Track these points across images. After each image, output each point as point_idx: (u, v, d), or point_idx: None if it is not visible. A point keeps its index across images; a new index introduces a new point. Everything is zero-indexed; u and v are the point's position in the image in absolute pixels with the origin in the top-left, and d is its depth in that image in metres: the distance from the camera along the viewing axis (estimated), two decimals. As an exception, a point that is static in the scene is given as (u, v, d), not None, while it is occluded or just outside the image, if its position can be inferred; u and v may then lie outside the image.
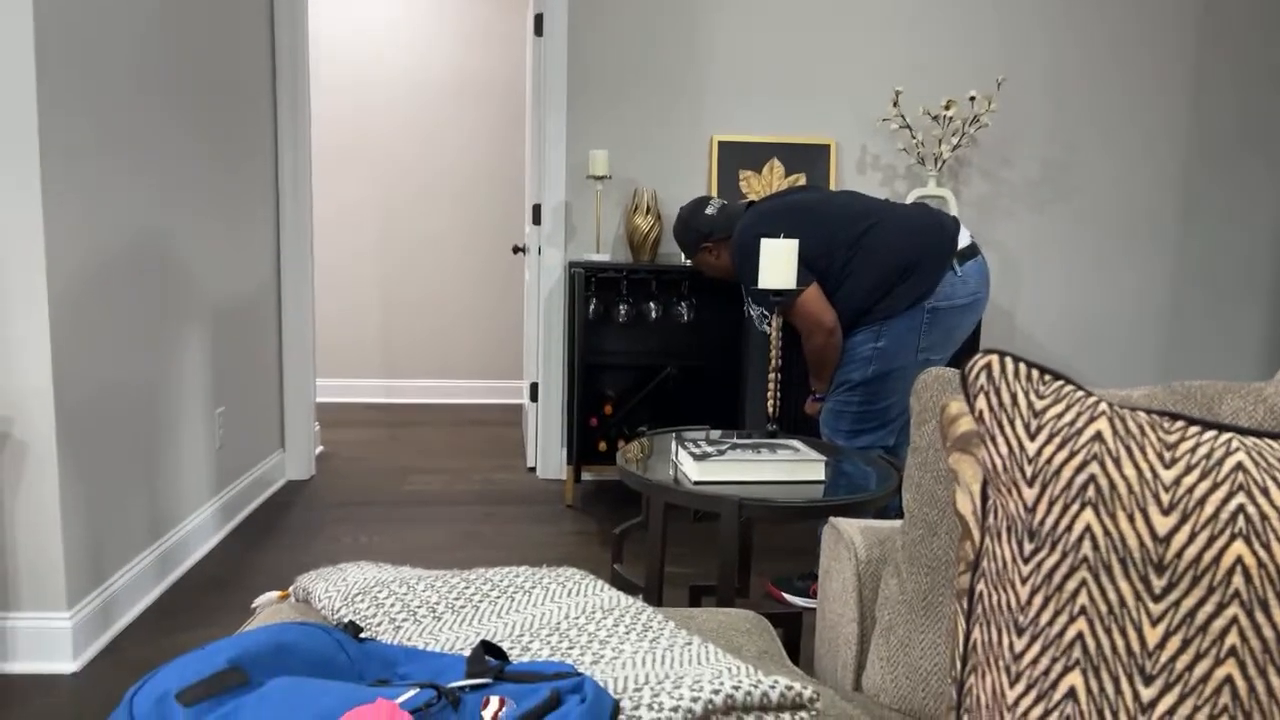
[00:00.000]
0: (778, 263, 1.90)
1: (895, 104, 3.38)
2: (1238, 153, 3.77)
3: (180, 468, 2.62)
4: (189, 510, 2.69)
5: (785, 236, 2.30)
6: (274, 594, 1.35)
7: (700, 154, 3.60)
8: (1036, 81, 3.64)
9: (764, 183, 3.58)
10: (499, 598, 1.25)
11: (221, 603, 2.42)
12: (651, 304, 3.43)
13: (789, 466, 1.72)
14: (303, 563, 2.72)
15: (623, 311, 3.42)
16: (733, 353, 3.53)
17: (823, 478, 1.73)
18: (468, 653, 1.06)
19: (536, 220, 3.66)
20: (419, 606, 1.20)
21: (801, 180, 3.58)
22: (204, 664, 0.80)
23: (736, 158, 3.58)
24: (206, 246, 2.79)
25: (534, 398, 3.74)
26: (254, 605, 1.34)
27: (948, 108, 3.37)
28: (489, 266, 5.30)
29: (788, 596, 2.50)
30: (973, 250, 2.35)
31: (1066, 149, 3.69)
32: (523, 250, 4.15)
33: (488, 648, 0.91)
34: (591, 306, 3.42)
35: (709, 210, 2.58)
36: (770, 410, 2.01)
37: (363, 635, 1.07)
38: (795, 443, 1.88)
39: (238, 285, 3.07)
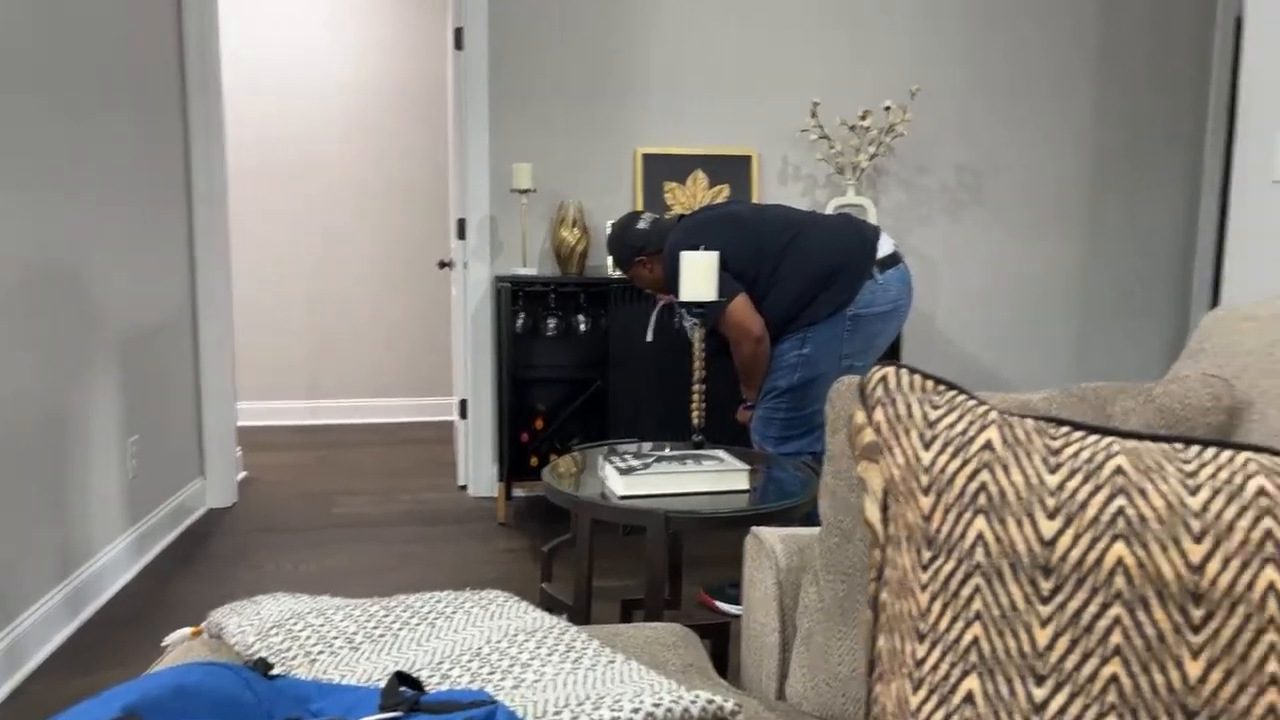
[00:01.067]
0: (698, 275, 1.92)
1: (813, 115, 3.44)
2: (1136, 157, 3.94)
3: (90, 500, 2.51)
4: (101, 544, 2.58)
5: (715, 247, 2.32)
6: (186, 631, 1.31)
7: (625, 166, 3.61)
8: (948, 91, 3.75)
9: (688, 194, 3.61)
10: (419, 625, 1.23)
11: (137, 641, 2.33)
12: (581, 316, 3.43)
13: (714, 477, 1.73)
14: (225, 594, 2.64)
15: (551, 325, 3.41)
16: (665, 363, 3.54)
17: (747, 486, 1.75)
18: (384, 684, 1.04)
19: (461, 235, 3.63)
20: (335, 638, 1.17)
21: (725, 193, 3.63)
22: (99, 712, 0.77)
23: (661, 170, 3.60)
24: (112, 269, 2.69)
25: (463, 414, 3.70)
26: (164, 644, 1.29)
27: (864, 118, 3.45)
28: (416, 282, 5.23)
29: (720, 605, 2.51)
30: (894, 259, 2.41)
31: (978, 156, 3.81)
32: (449, 265, 4.10)
33: (402, 678, 0.89)
34: (519, 321, 3.40)
35: (641, 225, 2.59)
36: (695, 421, 2.02)
37: (275, 671, 1.04)
38: (720, 453, 1.90)
39: (149, 308, 2.97)
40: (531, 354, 3.57)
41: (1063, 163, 3.89)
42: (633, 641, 1.32)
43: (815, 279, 2.36)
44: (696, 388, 2.03)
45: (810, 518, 2.32)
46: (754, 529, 1.35)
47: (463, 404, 3.70)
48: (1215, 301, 3.96)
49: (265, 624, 1.22)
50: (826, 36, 3.65)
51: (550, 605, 1.83)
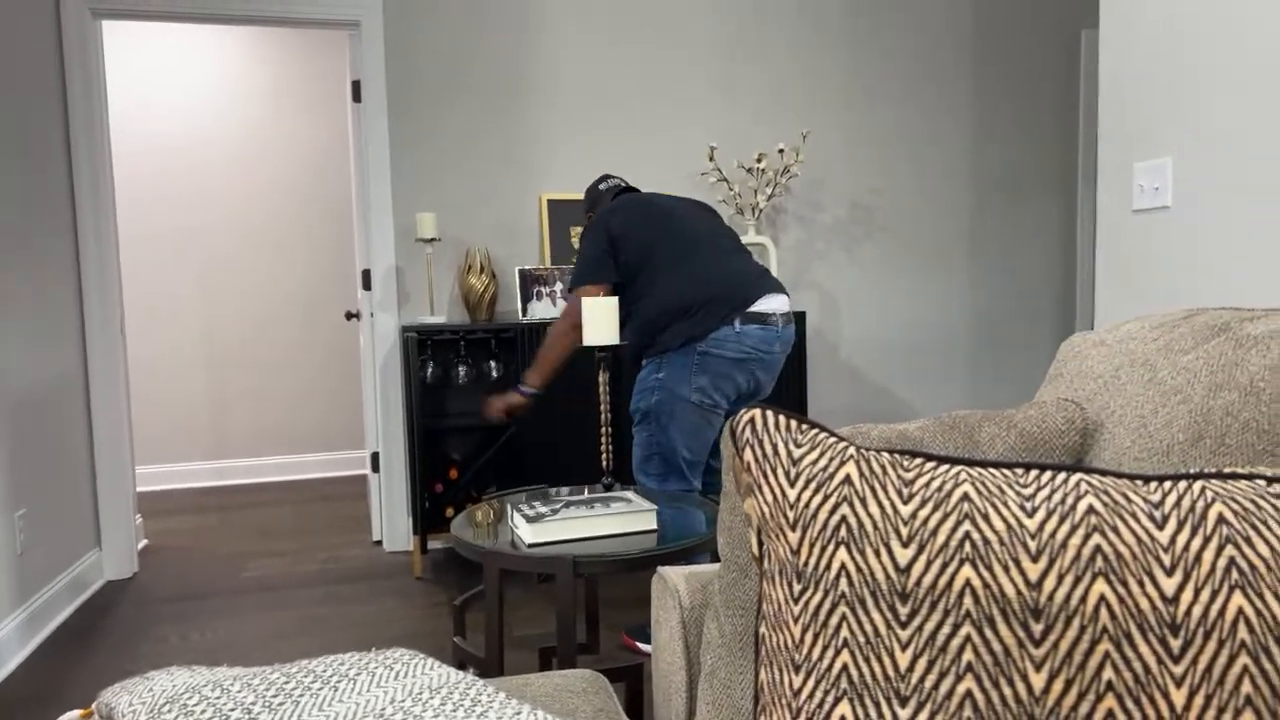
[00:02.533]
0: (599, 320, 1.95)
1: (711, 158, 3.54)
2: (1014, 191, 4.17)
3: (-27, 581, 2.37)
4: (-14, 627, 2.44)
5: (621, 231, 2.47)
6: (75, 713, 1.25)
7: (531, 212, 3.64)
8: (836, 133, 3.91)
9: (595, 237, 3.66)
10: (321, 689, 1.20)
11: (28, 726, 2.20)
12: (492, 363, 3.42)
13: (623, 519, 1.75)
14: (125, 671, 2.52)
15: (462, 373, 3.39)
16: (577, 407, 3.55)
17: (655, 527, 1.77)
18: (283, 753, 1.02)
19: (367, 286, 3.59)
20: (233, 710, 1.14)
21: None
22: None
23: (567, 215, 3.65)
24: (-5, 337, 2.58)
25: (375, 468, 3.63)
26: (50, 729, 1.23)
27: (759, 160, 3.56)
28: (324, 334, 5.14)
29: (641, 646, 2.51)
30: (766, 318, 2.43)
31: (868, 194, 3.97)
32: (356, 316, 4.05)
33: (297, 747, 0.88)
34: (429, 370, 3.38)
35: (602, 185, 2.78)
36: (605, 464, 2.03)
37: (166, 749, 1.00)
38: (629, 494, 1.92)
39: (34, 376, 2.85)
40: (443, 403, 3.54)
41: (945, 200, 4.08)
42: (542, 690, 1.32)
43: (675, 308, 2.42)
44: (604, 430, 2.05)
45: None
46: (660, 569, 1.37)
47: (374, 457, 3.64)
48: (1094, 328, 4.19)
49: (158, 701, 1.18)
50: (720, 82, 3.77)
51: (463, 660, 1.81)
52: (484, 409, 2.67)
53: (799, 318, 3.52)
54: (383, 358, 3.52)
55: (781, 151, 3.60)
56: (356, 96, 3.54)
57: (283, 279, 5.06)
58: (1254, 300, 1.94)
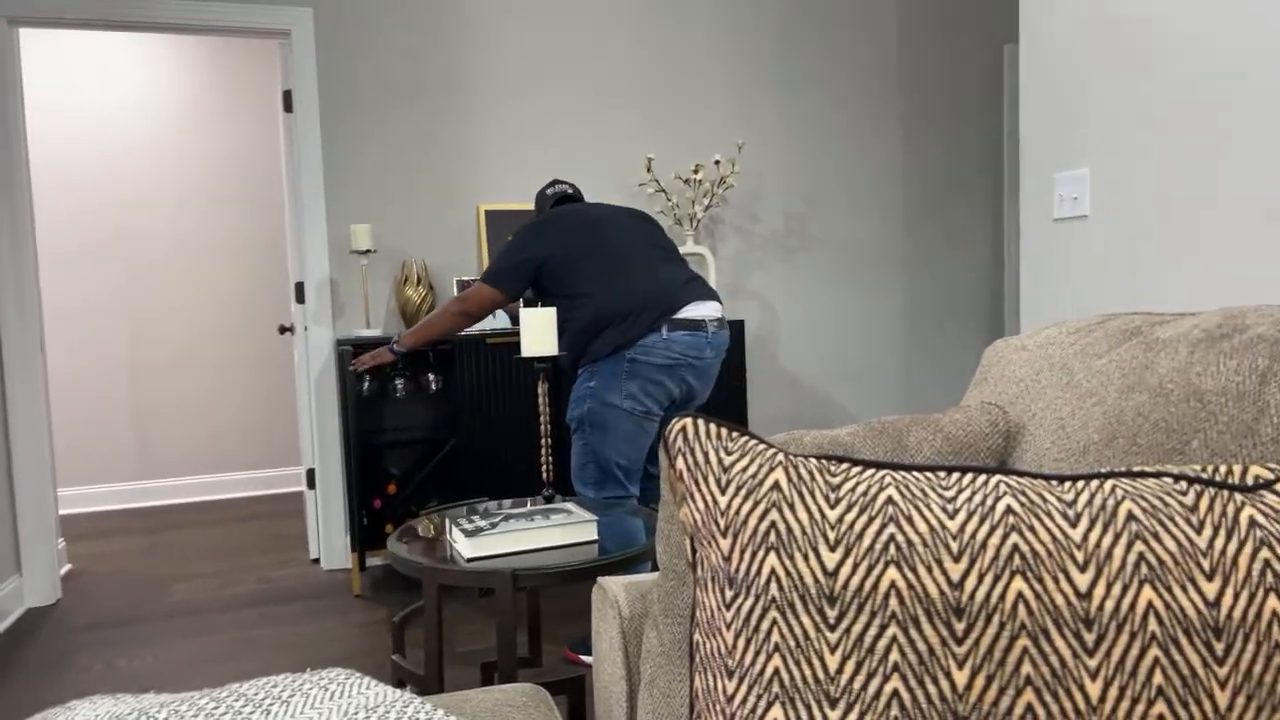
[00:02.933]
0: (537, 332, 1.94)
1: (649, 169, 3.56)
2: (943, 200, 4.28)
3: (-120, 613, 2.26)
4: (-105, 661, 2.32)
5: (541, 246, 2.50)
6: (-12, 748, 1.20)
7: (468, 223, 3.62)
8: (772, 144, 3.97)
9: (533, 248, 3.64)
10: (253, 713, 1.17)
11: (-60, 764, 2.10)
12: (430, 376, 3.38)
13: (563, 530, 1.74)
14: (48, 701, 2.42)
15: (400, 386, 3.35)
16: (517, 419, 3.53)
17: (596, 538, 1.77)
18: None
19: (300, 299, 3.53)
20: (159, 737, 1.11)
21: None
22: None
23: (505, 225, 3.63)
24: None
25: (311, 484, 3.56)
26: (-39, 766, 1.18)
27: (696, 171, 3.60)
28: (256, 348, 5.02)
29: (584, 659, 2.50)
30: (695, 325, 2.46)
31: (804, 202, 4.04)
32: (290, 330, 3.97)
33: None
34: (366, 384, 3.32)
35: (549, 190, 2.80)
36: (544, 475, 2.03)
37: (86, 781, 0.97)
38: (570, 505, 1.91)
39: (-52, 396, 2.73)
40: (381, 417, 3.49)
41: (878, 209, 4.17)
42: (481, 706, 1.30)
43: (605, 317, 2.46)
44: (544, 441, 2.05)
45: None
46: (599, 579, 1.37)
47: (310, 473, 3.56)
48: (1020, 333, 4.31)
49: (78, 731, 1.14)
50: (655, 93, 3.80)
51: (402, 678, 1.78)
52: (354, 363, 2.86)
53: (738, 327, 3.55)
54: (317, 372, 3.46)
55: (718, 163, 3.64)
56: (288, 106, 3.48)
57: (213, 292, 4.93)
58: (1168, 305, 2.02)
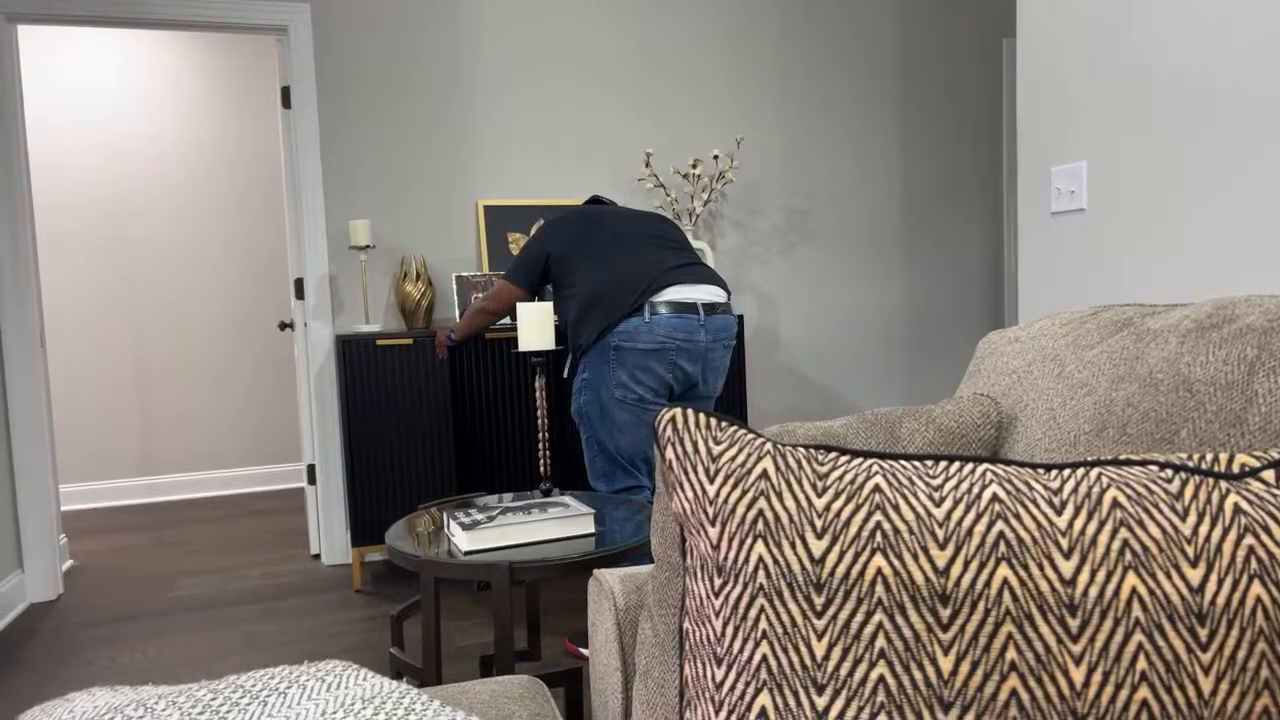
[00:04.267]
0: (534, 326, 1.95)
1: (647, 165, 3.57)
2: (943, 194, 4.27)
3: (-118, 608, 2.27)
4: (-103, 656, 2.33)
5: (553, 239, 2.53)
6: (-12, 740, 1.21)
7: (468, 218, 3.62)
8: (770, 138, 3.97)
9: (533, 244, 3.65)
10: (250, 704, 1.18)
11: (-57, 758, 2.12)
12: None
13: (560, 524, 1.75)
14: (50, 696, 2.43)
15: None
16: (516, 413, 3.54)
17: (593, 530, 1.78)
18: (208, 770, 1.00)
19: (300, 295, 3.53)
20: (157, 728, 1.11)
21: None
22: None
23: (504, 221, 3.63)
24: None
25: (312, 480, 3.57)
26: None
27: (695, 166, 3.60)
28: (256, 344, 5.03)
29: (584, 651, 2.51)
30: (686, 307, 2.43)
31: (802, 198, 4.04)
32: (290, 326, 3.98)
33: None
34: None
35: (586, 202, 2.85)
36: (542, 470, 2.03)
37: (84, 772, 0.97)
38: (567, 499, 1.92)
39: (-51, 392, 2.74)
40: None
41: (878, 202, 4.17)
42: (479, 697, 1.31)
43: (588, 301, 2.46)
44: (542, 435, 2.05)
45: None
46: (595, 571, 1.37)
47: (310, 469, 3.57)
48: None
49: (77, 723, 1.15)
50: (655, 88, 3.80)
51: (400, 670, 1.79)
52: (436, 347, 3.09)
53: (738, 321, 3.55)
54: (317, 368, 3.46)
55: (716, 158, 3.64)
56: (286, 103, 3.48)
57: (213, 288, 4.94)
58: (1164, 297, 2.02)
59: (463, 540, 1.68)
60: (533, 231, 2.66)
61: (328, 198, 3.45)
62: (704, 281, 2.50)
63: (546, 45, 3.66)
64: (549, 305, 1.98)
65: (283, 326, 3.85)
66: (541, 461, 2.04)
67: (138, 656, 2.67)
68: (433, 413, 3.55)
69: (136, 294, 4.81)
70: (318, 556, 3.63)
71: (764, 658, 0.67)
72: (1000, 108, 4.34)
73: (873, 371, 4.21)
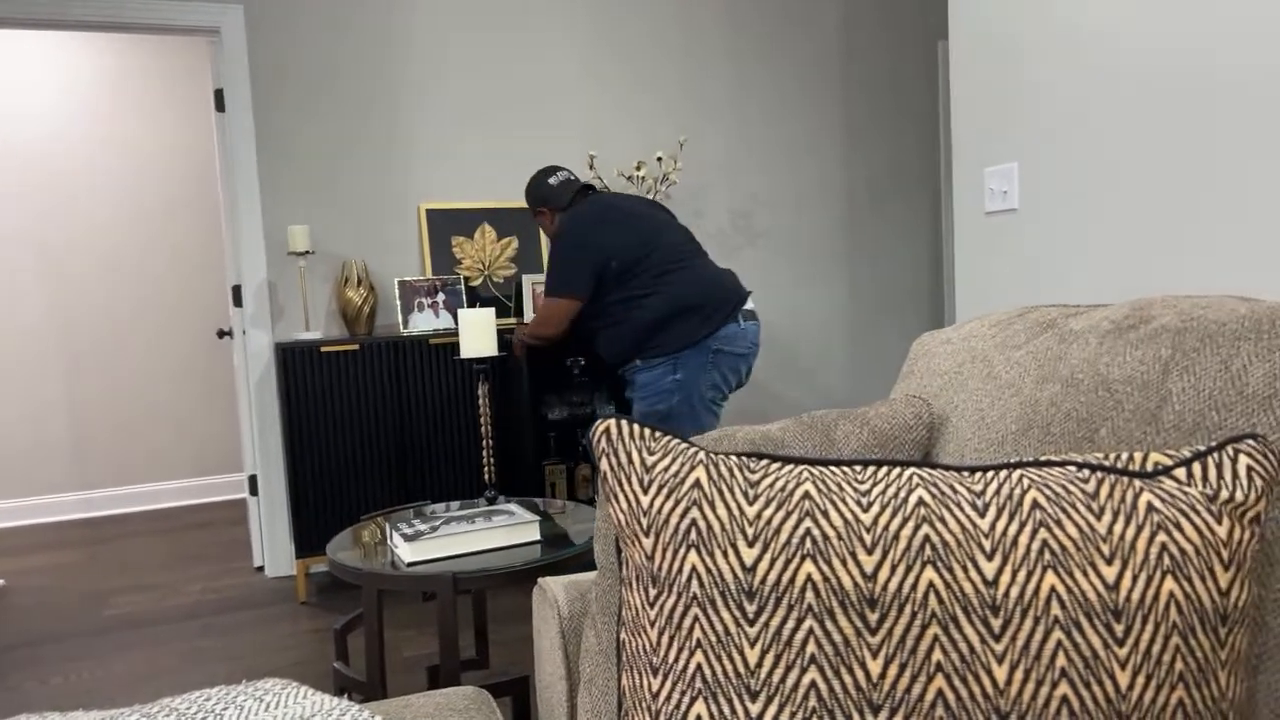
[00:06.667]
0: (477, 332, 1.93)
1: (591, 167, 3.56)
2: (886, 194, 4.35)
3: None
4: None
5: (608, 245, 2.51)
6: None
7: (409, 223, 3.58)
8: (713, 140, 3.99)
9: (477, 248, 3.62)
10: (184, 727, 1.15)
11: None
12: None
13: (504, 532, 1.74)
14: (-25, 723, 2.34)
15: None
16: (461, 420, 3.51)
17: (538, 537, 1.77)
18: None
19: (238, 302, 3.46)
20: (85, 756, 1.08)
21: (515, 245, 3.66)
22: None
23: (447, 225, 3.60)
24: None
25: (254, 491, 3.49)
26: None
27: (638, 168, 3.60)
28: (195, 353, 4.91)
29: (533, 658, 2.50)
30: (754, 316, 2.65)
31: (746, 200, 4.07)
32: (228, 334, 3.89)
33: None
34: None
35: (551, 180, 2.77)
36: (487, 477, 2.02)
37: (7, 805, 0.94)
38: (512, 506, 1.91)
39: None
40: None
41: (821, 205, 4.22)
42: (421, 711, 1.30)
43: (685, 306, 2.53)
44: (486, 443, 2.04)
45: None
46: (540, 579, 1.37)
47: (252, 479, 3.50)
48: (964, 319, 4.41)
49: (1, 753, 1.11)
50: (597, 90, 3.80)
51: (344, 685, 1.77)
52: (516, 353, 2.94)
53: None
54: (257, 376, 3.39)
55: (660, 160, 3.65)
56: (220, 106, 3.41)
57: (149, 296, 4.81)
58: (1091, 296, 2.08)
59: (405, 551, 1.66)
60: (564, 237, 2.57)
61: (264, 203, 3.38)
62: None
63: (487, 48, 3.64)
64: (491, 311, 1.96)
65: (221, 334, 3.77)
66: (486, 469, 2.02)
67: (70, 679, 2.59)
68: (377, 421, 3.50)
69: (67, 303, 4.66)
70: (261, 569, 3.56)
71: (699, 667, 0.67)
72: (936, 111, 4.43)
73: (819, 372, 4.27)
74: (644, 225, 2.60)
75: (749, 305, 2.65)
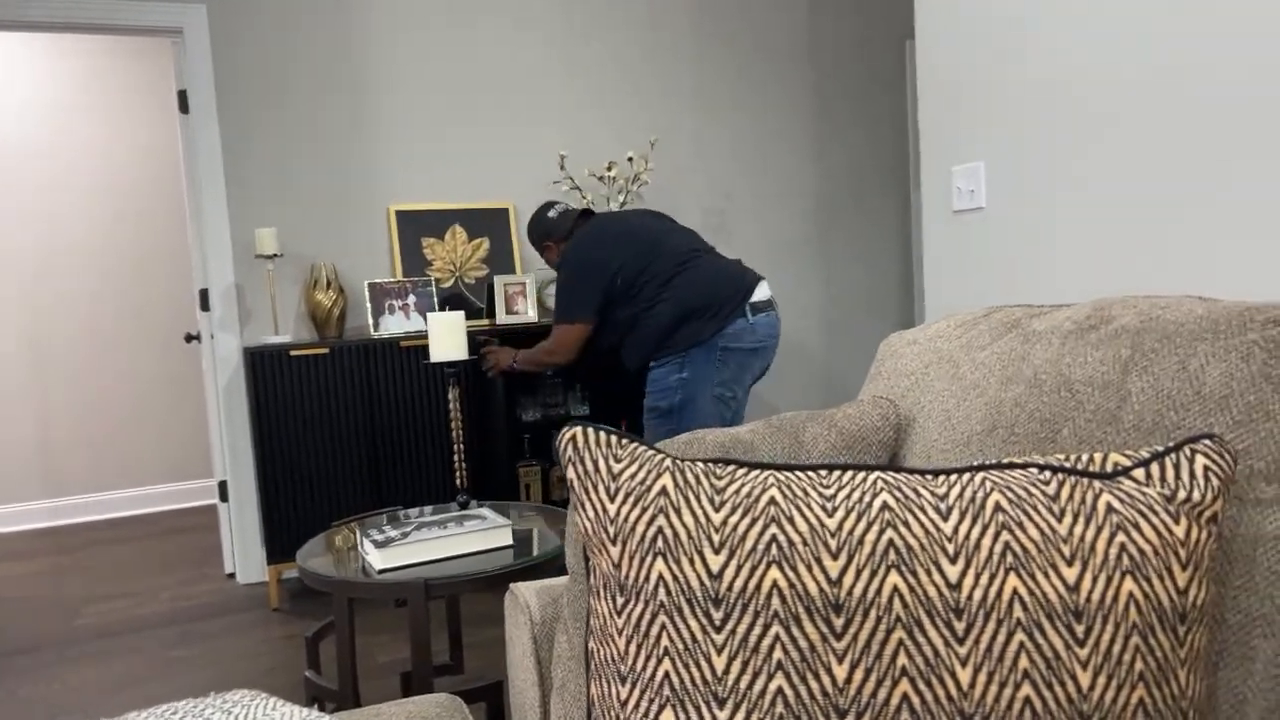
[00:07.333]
0: (446, 336, 1.92)
1: (562, 167, 3.55)
2: (857, 193, 4.37)
3: None
4: None
5: (611, 262, 2.54)
6: None
7: (379, 224, 3.55)
8: (685, 141, 4.00)
9: (448, 249, 3.60)
10: (151, 742, 1.13)
11: None
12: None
13: (477, 537, 1.73)
14: (-61, 739, 2.30)
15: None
16: (434, 425, 3.49)
17: (511, 542, 1.76)
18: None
19: (205, 306, 3.42)
20: (49, 774, 1.06)
21: (485, 246, 3.65)
22: None
23: (417, 226, 3.58)
24: None
25: (224, 497, 3.45)
26: None
27: (609, 168, 3.60)
28: (163, 358, 4.85)
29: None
30: (767, 305, 2.62)
31: (720, 198, 4.08)
32: (196, 339, 3.84)
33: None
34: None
35: (550, 214, 2.83)
36: (458, 481, 2.01)
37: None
38: (484, 511, 1.90)
39: None
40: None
41: (793, 204, 4.24)
42: (394, 719, 1.29)
43: (690, 309, 2.54)
44: (458, 447, 2.03)
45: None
46: (512, 585, 1.36)
47: (222, 486, 3.46)
48: (935, 315, 4.44)
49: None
50: (567, 90, 3.79)
51: (316, 694, 1.75)
52: (493, 359, 2.86)
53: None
54: (226, 381, 3.36)
55: (631, 159, 3.65)
56: (184, 107, 3.36)
57: (115, 300, 4.74)
58: (1059, 296, 2.11)
59: (376, 558, 1.65)
60: (568, 264, 2.62)
61: (231, 205, 3.34)
62: (761, 278, 2.66)
63: (455, 47, 3.61)
64: (460, 315, 1.95)
65: (189, 339, 3.72)
66: (458, 473, 2.01)
67: (42, 688, 2.55)
68: (348, 425, 3.47)
69: (33, 307, 4.58)
70: (233, 576, 3.52)
71: (666, 674, 0.68)
72: (905, 110, 4.46)
73: (793, 371, 4.28)
74: (641, 237, 2.62)
75: (763, 295, 2.61)
